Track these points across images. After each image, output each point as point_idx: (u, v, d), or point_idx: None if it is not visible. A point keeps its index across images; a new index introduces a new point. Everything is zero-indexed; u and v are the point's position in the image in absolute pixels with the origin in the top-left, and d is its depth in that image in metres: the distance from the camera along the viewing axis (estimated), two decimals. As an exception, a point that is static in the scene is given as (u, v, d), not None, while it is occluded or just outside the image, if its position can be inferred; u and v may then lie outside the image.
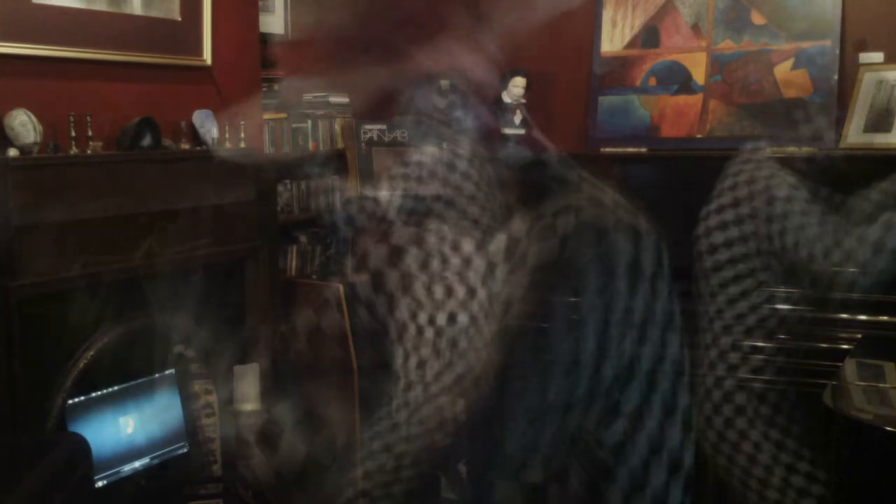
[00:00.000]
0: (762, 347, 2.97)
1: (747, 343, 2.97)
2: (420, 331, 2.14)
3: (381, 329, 2.30)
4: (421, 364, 2.11)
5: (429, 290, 2.16)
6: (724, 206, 3.01)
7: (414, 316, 2.20)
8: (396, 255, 2.22)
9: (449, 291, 2.13)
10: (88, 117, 3.15)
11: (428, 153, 2.61)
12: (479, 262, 2.11)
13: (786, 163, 3.09)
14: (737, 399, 2.95)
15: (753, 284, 2.94)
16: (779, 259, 2.90)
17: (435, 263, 2.18)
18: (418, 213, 2.34)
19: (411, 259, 2.21)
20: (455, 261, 2.17)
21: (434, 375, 2.07)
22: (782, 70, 3.94)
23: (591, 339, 1.21)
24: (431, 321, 2.14)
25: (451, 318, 2.10)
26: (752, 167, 3.03)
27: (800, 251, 2.81)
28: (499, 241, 1.68)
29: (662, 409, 1.28)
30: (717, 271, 2.98)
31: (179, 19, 3.61)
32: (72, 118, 3.10)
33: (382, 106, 4.41)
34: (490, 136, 4.01)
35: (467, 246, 2.19)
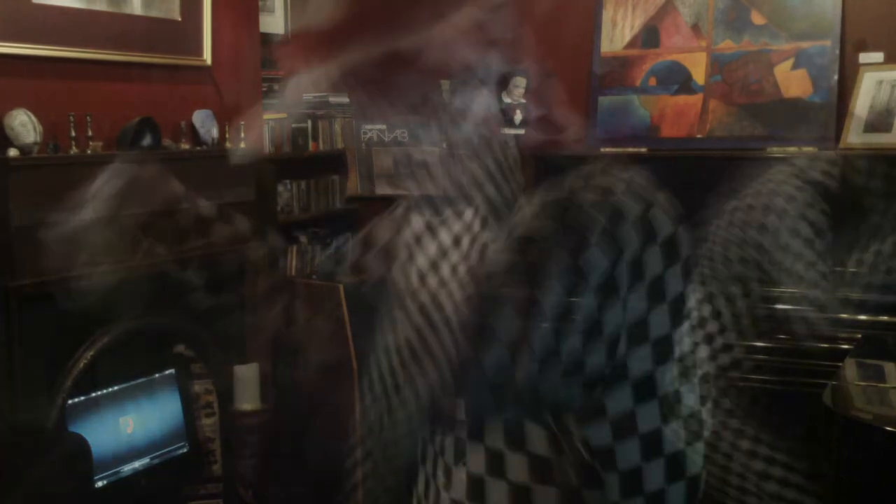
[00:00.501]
0: (760, 347, 2.97)
1: (744, 342, 2.96)
2: (408, 317, 2.14)
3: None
4: (401, 349, 2.10)
5: (422, 279, 2.16)
6: (736, 208, 3.01)
7: (404, 306, 2.20)
8: (393, 247, 2.21)
9: (442, 282, 2.13)
10: (88, 117, 3.15)
11: (437, 151, 2.60)
12: (469, 253, 2.10)
13: (803, 169, 3.07)
14: (730, 399, 2.94)
15: (745, 289, 2.94)
16: (765, 267, 2.90)
17: (433, 253, 2.18)
18: (427, 206, 2.33)
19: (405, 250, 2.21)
20: (451, 253, 2.16)
21: (416, 362, 2.06)
22: (782, 70, 3.93)
23: (578, 338, 1.16)
24: (423, 312, 2.13)
25: (440, 310, 2.09)
26: (769, 171, 3.03)
27: (781, 271, 2.82)
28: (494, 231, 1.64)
29: (660, 414, 1.20)
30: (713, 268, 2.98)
31: (179, 19, 3.61)
32: (72, 118, 3.10)
33: (383, 106, 4.40)
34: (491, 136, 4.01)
35: (465, 240, 2.18)
